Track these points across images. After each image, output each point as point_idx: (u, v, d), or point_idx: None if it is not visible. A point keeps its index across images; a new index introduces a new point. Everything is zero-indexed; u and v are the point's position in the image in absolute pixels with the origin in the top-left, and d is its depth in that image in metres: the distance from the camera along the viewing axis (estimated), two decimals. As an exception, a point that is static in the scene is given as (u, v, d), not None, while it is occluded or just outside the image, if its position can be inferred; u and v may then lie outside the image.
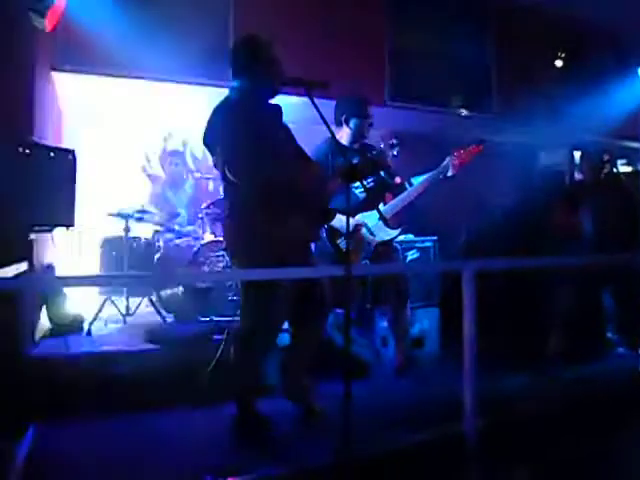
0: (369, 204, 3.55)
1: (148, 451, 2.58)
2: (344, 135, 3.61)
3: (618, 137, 6.64)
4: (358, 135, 3.61)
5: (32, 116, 3.77)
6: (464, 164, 3.63)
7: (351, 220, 3.34)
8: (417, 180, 3.65)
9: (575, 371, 3.84)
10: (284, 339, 3.08)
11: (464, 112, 6.13)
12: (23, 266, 3.05)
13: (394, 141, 3.54)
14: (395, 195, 3.65)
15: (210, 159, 2.82)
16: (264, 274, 2.48)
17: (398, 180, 3.72)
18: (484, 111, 6.23)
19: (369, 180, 3.61)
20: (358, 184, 3.42)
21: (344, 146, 3.57)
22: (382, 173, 3.63)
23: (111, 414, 2.86)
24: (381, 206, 3.59)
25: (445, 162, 3.61)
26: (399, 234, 3.72)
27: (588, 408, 3.13)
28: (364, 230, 3.57)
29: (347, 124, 3.60)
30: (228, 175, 2.65)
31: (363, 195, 3.57)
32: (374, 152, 3.67)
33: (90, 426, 2.80)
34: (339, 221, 3.30)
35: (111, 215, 4.82)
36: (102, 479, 2.34)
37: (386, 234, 3.63)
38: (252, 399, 2.71)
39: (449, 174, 3.60)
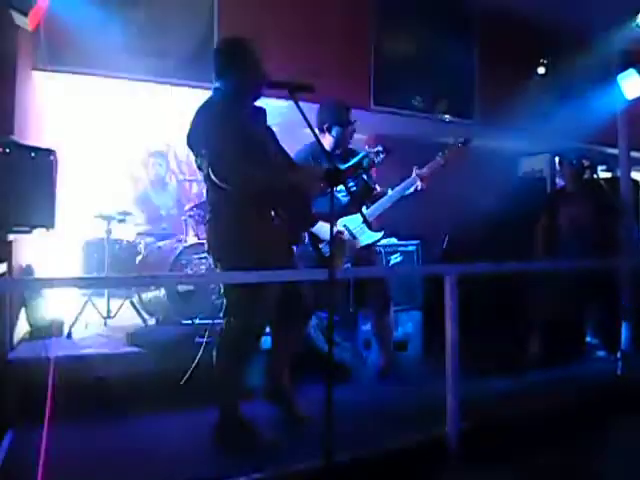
0: (352, 208, 3.58)
1: (129, 456, 2.55)
2: (326, 142, 3.63)
3: (598, 143, 6.73)
4: (340, 142, 3.65)
5: (12, 115, 3.72)
6: (447, 165, 3.68)
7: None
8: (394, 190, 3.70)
9: (555, 374, 3.88)
10: (266, 342, 3.07)
11: (447, 117, 6.17)
12: (2, 268, 3.00)
13: (380, 148, 3.56)
14: (374, 202, 3.68)
15: (194, 161, 2.81)
16: (247, 277, 2.47)
17: (377, 189, 3.75)
18: (467, 117, 6.28)
19: (351, 184, 3.63)
20: (341, 187, 3.44)
21: (327, 152, 3.59)
22: (365, 176, 3.66)
23: (91, 419, 2.83)
24: (364, 209, 3.62)
25: (413, 175, 3.66)
26: (382, 237, 3.75)
27: (568, 411, 3.16)
28: (346, 234, 3.59)
29: (329, 132, 3.62)
30: (212, 177, 2.63)
31: (345, 199, 3.59)
32: (356, 156, 3.69)
33: (70, 431, 2.75)
34: (320, 226, 3.32)
35: (93, 217, 4.78)
36: (81, 485, 2.31)
37: (369, 237, 3.65)
38: (235, 403, 2.69)
39: (419, 187, 3.65)
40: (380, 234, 3.70)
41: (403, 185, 3.66)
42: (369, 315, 3.79)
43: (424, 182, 3.64)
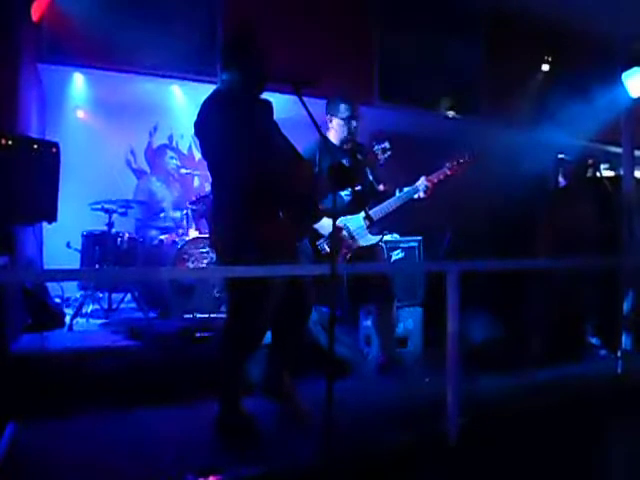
0: (354, 208, 3.57)
1: (129, 449, 2.55)
2: (333, 135, 3.63)
3: (602, 142, 6.72)
4: (347, 136, 3.62)
5: (16, 108, 3.72)
6: (452, 177, 3.67)
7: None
8: (403, 191, 3.68)
9: (555, 373, 3.88)
10: (267, 337, 3.07)
11: (452, 114, 6.17)
12: (4, 260, 3.00)
13: (387, 145, 3.55)
14: (379, 202, 3.67)
15: (197, 154, 2.80)
16: (249, 271, 2.47)
17: (382, 188, 3.73)
18: (471, 114, 6.27)
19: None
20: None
21: (334, 146, 3.58)
22: (370, 178, 3.64)
23: (92, 411, 2.83)
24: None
25: (419, 182, 3.65)
26: (379, 240, 3.74)
27: (568, 410, 3.16)
28: (344, 233, 3.58)
29: (336, 124, 3.61)
30: (218, 169, 2.63)
31: (348, 198, 3.58)
32: (364, 153, 3.68)
33: (71, 424, 2.76)
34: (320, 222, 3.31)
35: (95, 209, 4.77)
36: (82, 478, 2.31)
37: (366, 240, 3.64)
38: (237, 397, 2.69)
39: (422, 195, 3.63)
40: (377, 237, 3.69)
41: (408, 190, 3.65)
42: (371, 310, 3.79)
43: (427, 193, 3.62)
